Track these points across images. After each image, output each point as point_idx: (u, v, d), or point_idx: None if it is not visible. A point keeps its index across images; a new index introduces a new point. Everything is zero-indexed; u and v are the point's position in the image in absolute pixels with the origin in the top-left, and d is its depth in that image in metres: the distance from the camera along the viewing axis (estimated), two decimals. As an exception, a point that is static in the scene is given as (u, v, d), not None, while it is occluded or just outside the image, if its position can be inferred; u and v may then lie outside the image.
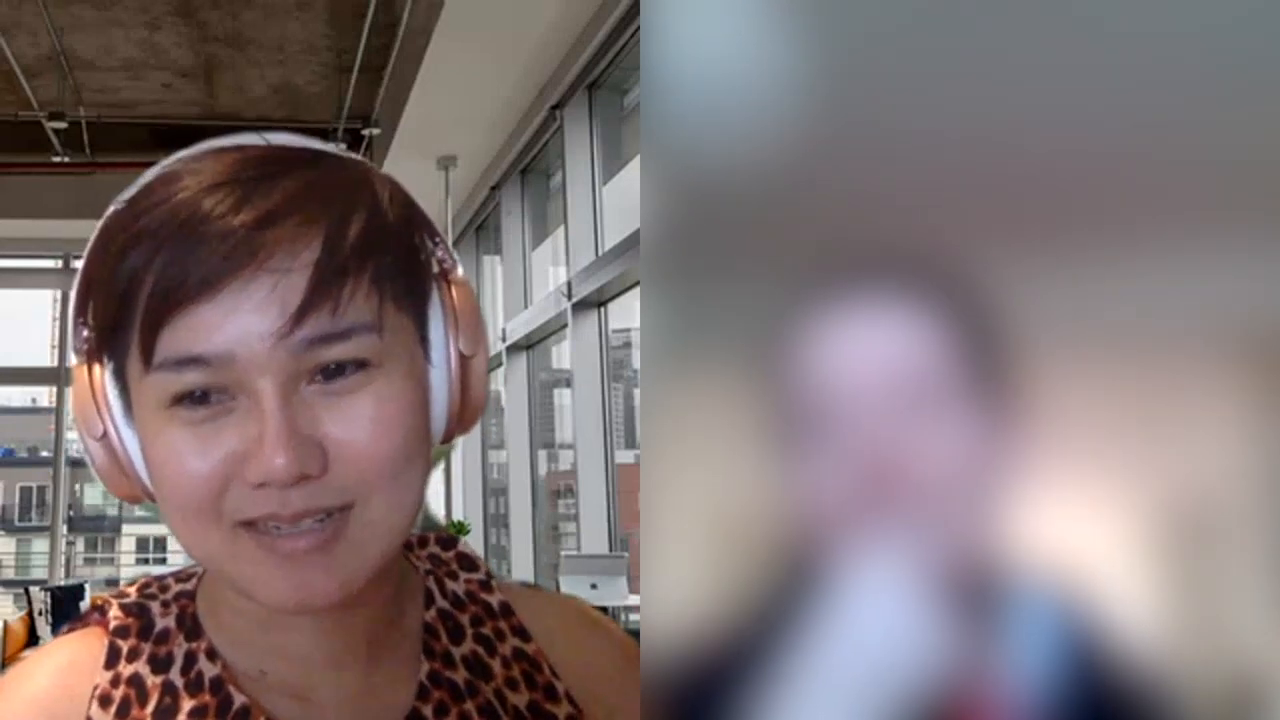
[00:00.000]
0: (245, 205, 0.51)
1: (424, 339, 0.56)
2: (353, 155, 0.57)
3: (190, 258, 0.50)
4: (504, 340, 6.92)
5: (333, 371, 0.52)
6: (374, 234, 0.53)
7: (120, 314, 0.52)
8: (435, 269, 0.57)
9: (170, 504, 0.53)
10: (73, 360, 0.56)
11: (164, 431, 0.52)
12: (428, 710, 0.59)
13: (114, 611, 0.59)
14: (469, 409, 0.58)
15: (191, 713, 0.56)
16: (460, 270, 0.59)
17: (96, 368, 0.55)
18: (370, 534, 0.53)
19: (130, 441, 0.55)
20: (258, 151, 0.54)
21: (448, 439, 0.58)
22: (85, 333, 0.55)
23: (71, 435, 7.88)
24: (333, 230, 0.52)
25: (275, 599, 0.53)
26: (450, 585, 0.65)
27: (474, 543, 7.04)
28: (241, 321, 0.50)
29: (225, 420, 0.51)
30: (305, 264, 0.51)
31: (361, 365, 0.52)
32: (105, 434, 0.55)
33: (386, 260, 0.53)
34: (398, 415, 0.53)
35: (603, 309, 5.57)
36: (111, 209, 0.54)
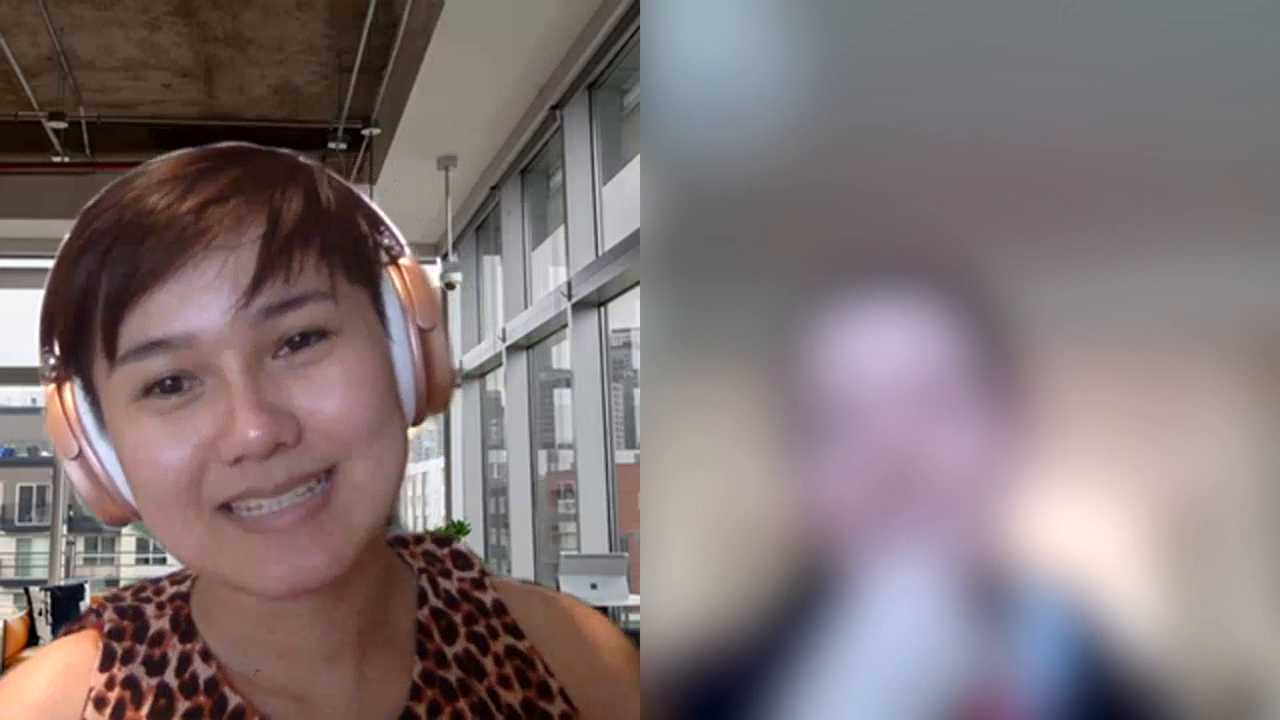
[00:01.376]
0: (189, 194, 0.52)
1: (381, 314, 0.57)
2: (289, 152, 0.58)
3: (140, 249, 0.51)
4: (504, 340, 6.92)
5: (296, 343, 0.52)
6: (316, 210, 0.55)
7: (81, 320, 0.53)
8: (385, 257, 0.58)
9: (148, 498, 0.53)
10: (45, 388, 0.56)
11: (135, 424, 0.52)
12: (421, 709, 0.59)
13: (108, 614, 0.59)
14: (436, 385, 0.59)
15: (186, 714, 0.56)
16: (409, 256, 0.59)
17: (66, 387, 0.55)
18: (355, 499, 0.53)
19: (107, 456, 0.55)
20: (202, 150, 0.56)
21: (419, 420, 0.59)
22: (51, 359, 0.55)
23: (71, 435, 7.84)
24: (275, 207, 0.53)
25: (268, 583, 0.52)
26: (443, 584, 0.65)
27: (474, 543, 7.05)
28: (197, 301, 0.51)
29: (196, 405, 0.51)
30: (252, 239, 0.52)
31: (322, 335, 0.53)
32: (81, 452, 0.55)
33: (331, 234, 0.55)
34: (365, 379, 0.54)
35: (603, 309, 5.57)
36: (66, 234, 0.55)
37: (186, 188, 0.53)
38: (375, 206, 0.60)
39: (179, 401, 0.52)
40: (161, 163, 0.55)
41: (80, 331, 0.53)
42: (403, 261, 0.59)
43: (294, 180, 0.55)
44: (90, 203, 0.55)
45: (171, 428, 0.51)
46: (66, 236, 0.55)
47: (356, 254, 0.56)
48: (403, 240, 0.59)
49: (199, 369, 0.51)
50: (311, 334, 0.53)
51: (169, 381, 0.52)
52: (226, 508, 0.52)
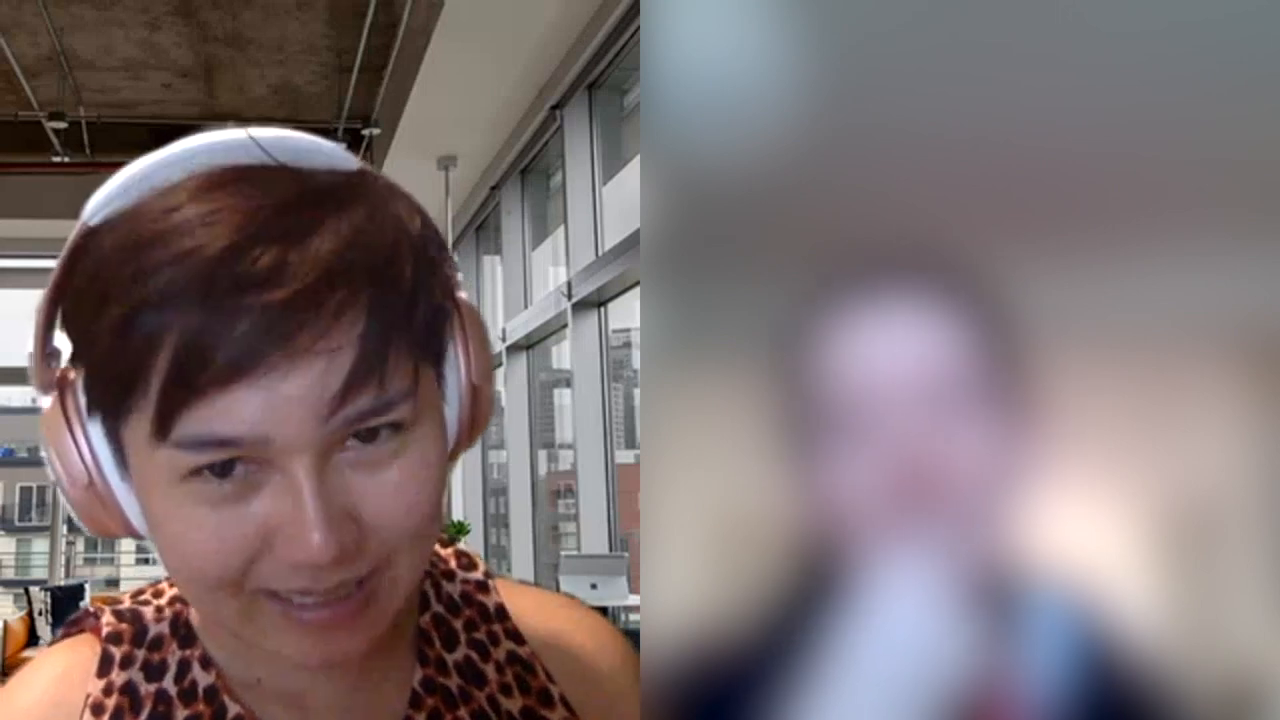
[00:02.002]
0: (282, 273, 0.45)
1: (440, 376, 0.54)
2: (368, 170, 0.53)
3: (221, 332, 0.45)
4: (504, 340, 6.93)
5: (365, 435, 0.49)
6: (415, 292, 0.50)
7: (127, 383, 0.47)
8: (444, 291, 0.54)
9: (187, 580, 0.50)
10: (45, 400, 0.51)
11: (182, 511, 0.48)
12: (421, 717, 0.58)
13: (106, 618, 0.59)
14: (476, 431, 0.57)
15: None
16: (462, 284, 0.57)
17: (78, 413, 0.50)
18: (395, 591, 0.52)
19: (122, 493, 0.51)
20: (279, 191, 0.48)
21: (451, 459, 0.57)
22: (54, 364, 0.51)
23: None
24: (377, 299, 0.48)
25: (298, 660, 0.51)
26: (446, 587, 0.64)
27: (474, 543, 7.05)
28: (279, 404, 0.46)
29: (254, 498, 0.47)
30: (349, 340, 0.47)
31: (395, 428, 0.49)
32: (91, 484, 0.51)
33: (423, 317, 0.51)
34: (429, 476, 0.51)
35: (603, 309, 5.57)
36: (86, 228, 0.49)
37: (277, 260, 0.45)
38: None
39: (233, 492, 0.47)
40: (224, 197, 0.47)
41: (124, 393, 0.47)
42: (461, 301, 0.55)
43: (396, 252, 0.49)
44: (121, 213, 0.48)
45: (225, 519, 0.47)
46: (89, 240, 0.49)
47: (434, 328, 0.52)
48: (457, 263, 0.56)
49: (262, 462, 0.47)
50: (383, 428, 0.49)
51: (220, 465, 0.47)
52: (268, 592, 0.49)
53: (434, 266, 0.52)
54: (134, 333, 0.46)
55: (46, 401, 0.52)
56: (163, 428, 0.46)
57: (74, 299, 0.49)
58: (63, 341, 0.51)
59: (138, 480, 0.50)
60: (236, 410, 0.46)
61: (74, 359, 0.50)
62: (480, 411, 0.56)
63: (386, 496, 0.49)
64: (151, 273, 0.46)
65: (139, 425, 0.47)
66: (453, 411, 0.55)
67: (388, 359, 0.48)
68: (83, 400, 0.50)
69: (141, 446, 0.48)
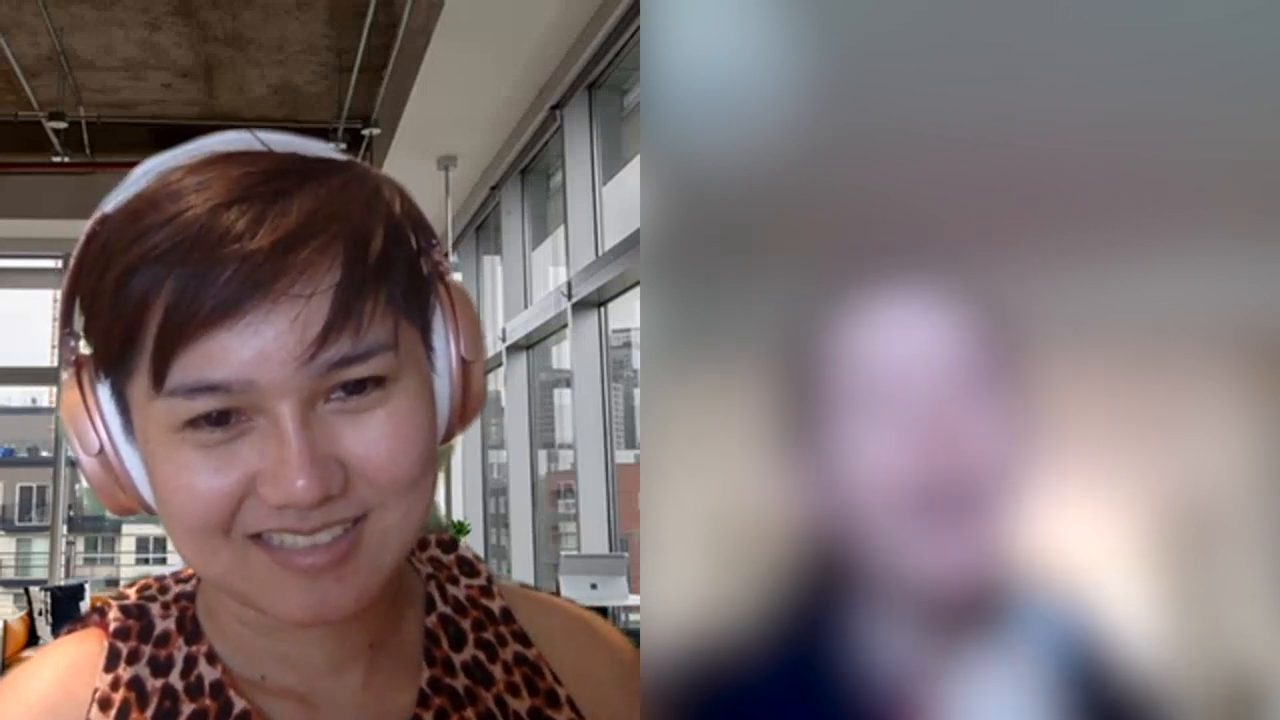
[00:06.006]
0: (261, 226, 0.49)
1: (429, 347, 0.56)
2: (356, 160, 0.56)
3: (206, 282, 0.48)
4: (504, 340, 6.92)
5: (352, 388, 0.51)
6: (390, 252, 0.52)
7: (126, 338, 0.50)
8: (435, 278, 0.57)
9: (179, 523, 0.52)
10: (63, 375, 0.55)
11: (175, 454, 0.51)
12: (428, 716, 0.59)
13: (113, 614, 0.59)
14: (469, 410, 0.58)
15: (191, 717, 0.56)
16: (454, 268, 0.58)
17: (90, 383, 0.53)
18: (384, 544, 0.53)
19: (130, 459, 0.54)
20: (265, 163, 0.52)
21: (447, 439, 0.58)
22: (73, 343, 0.54)
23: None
24: (352, 252, 0.51)
25: (291, 614, 0.52)
26: (451, 590, 0.65)
27: (474, 543, 7.04)
28: (262, 347, 0.49)
29: (242, 441, 0.50)
30: (326, 288, 0.50)
31: (379, 382, 0.51)
32: (102, 450, 0.54)
33: (401, 277, 0.53)
34: (415, 430, 0.53)
35: (603, 309, 5.57)
36: (100, 215, 0.53)
37: (258, 216, 0.49)
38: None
39: (224, 436, 0.50)
40: (218, 170, 0.51)
41: (123, 350, 0.51)
42: (450, 281, 0.57)
43: (372, 215, 0.53)
44: (131, 202, 0.52)
45: (215, 462, 0.50)
46: (100, 226, 0.52)
47: (417, 292, 0.55)
48: (447, 249, 0.59)
49: (250, 409, 0.50)
50: (369, 381, 0.51)
51: (215, 415, 0.50)
52: (255, 535, 0.51)
53: (411, 239, 0.55)
54: (131, 289, 0.50)
55: (65, 376, 0.55)
56: (158, 377, 0.49)
57: (86, 272, 0.52)
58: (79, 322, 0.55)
59: (141, 439, 0.53)
60: (222, 355, 0.49)
61: (85, 329, 0.53)
62: (472, 389, 0.58)
63: (371, 443, 0.51)
64: (147, 234, 0.50)
65: (140, 381, 0.51)
66: (444, 384, 0.56)
67: (363, 307, 0.51)
68: (94, 370, 0.53)
69: (143, 403, 0.51)
